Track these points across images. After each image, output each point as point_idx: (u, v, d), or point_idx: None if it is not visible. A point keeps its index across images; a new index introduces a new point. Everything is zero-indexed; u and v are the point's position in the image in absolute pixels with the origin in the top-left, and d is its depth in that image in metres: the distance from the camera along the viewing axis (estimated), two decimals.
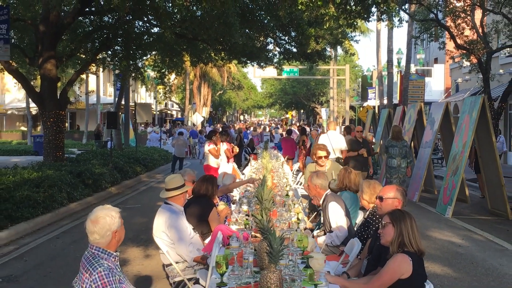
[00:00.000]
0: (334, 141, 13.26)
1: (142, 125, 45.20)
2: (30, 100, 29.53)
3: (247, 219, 5.98)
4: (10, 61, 16.57)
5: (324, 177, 6.90)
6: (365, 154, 13.57)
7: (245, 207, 6.67)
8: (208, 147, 14.33)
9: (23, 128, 43.41)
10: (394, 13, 17.72)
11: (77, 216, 12.36)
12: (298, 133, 24.83)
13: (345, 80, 45.73)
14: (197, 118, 45.53)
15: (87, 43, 18.58)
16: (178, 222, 5.92)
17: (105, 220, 3.80)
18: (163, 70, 21.41)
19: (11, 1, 16.08)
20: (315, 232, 6.78)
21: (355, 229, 6.52)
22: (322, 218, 6.80)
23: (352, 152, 13.55)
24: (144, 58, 22.45)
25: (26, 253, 9.13)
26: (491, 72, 22.12)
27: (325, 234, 6.59)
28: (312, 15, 14.64)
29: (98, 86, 39.96)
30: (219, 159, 14.03)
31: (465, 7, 21.36)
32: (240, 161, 21.30)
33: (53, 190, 12.33)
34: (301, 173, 14.50)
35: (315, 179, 6.80)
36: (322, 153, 9.27)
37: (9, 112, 44.45)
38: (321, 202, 6.74)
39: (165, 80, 23.03)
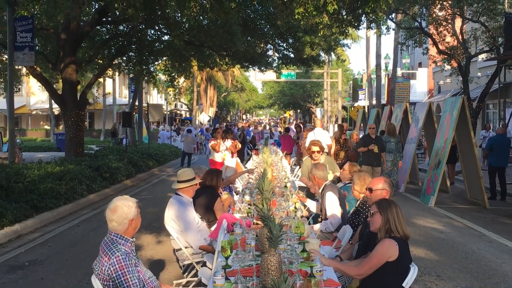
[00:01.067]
0: (319, 136, 13.27)
1: (154, 124, 45.14)
2: (52, 101, 29.50)
3: (249, 208, 5.99)
4: (35, 66, 16.59)
5: (323, 169, 6.96)
6: (375, 150, 13.22)
7: (247, 197, 6.67)
8: (210, 143, 14.53)
9: (46, 127, 43.40)
10: (382, 22, 17.68)
11: (96, 206, 12.40)
12: (295, 130, 24.81)
13: (337, 82, 45.63)
14: (203, 117, 45.56)
15: (104, 50, 18.59)
16: (187, 212, 5.91)
17: (122, 209, 3.81)
18: (173, 74, 21.45)
19: (35, 12, 16.07)
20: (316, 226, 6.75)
21: (348, 217, 6.54)
22: (320, 206, 6.84)
23: (363, 148, 13.43)
24: (156, 63, 22.50)
25: (50, 240, 9.17)
26: (470, 75, 22.13)
27: (321, 221, 6.61)
28: (308, 24, 14.59)
29: (114, 89, 39.93)
30: (222, 153, 14.02)
31: (447, 16, 21.36)
32: (243, 156, 21.29)
33: (74, 182, 12.36)
34: (298, 167, 14.49)
35: (315, 171, 6.90)
36: (315, 148, 9.32)
37: (34, 112, 44.47)
38: (320, 191, 6.79)
39: (175, 83, 23.14)
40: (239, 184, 10.15)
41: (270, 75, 38.46)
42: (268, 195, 5.20)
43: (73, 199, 11.97)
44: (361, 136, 22.28)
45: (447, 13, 21.22)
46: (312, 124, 45.08)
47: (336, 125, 22.41)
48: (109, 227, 3.84)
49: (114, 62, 19.68)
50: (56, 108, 32.77)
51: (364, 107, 36.31)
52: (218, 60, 20.87)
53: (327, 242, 6.05)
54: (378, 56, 31.76)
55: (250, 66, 21.66)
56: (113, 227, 3.83)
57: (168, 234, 6.06)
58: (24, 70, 24.03)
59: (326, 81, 48.05)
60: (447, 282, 6.71)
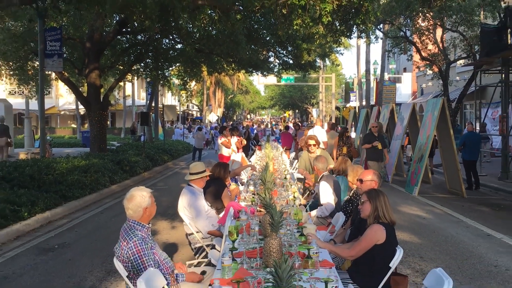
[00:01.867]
0: (318, 134, 13.23)
1: (169, 123, 45.16)
2: (79, 103, 29.51)
3: (253, 197, 5.98)
4: (63, 72, 16.60)
5: (323, 161, 7.00)
6: (379, 147, 12.88)
7: (251, 188, 6.67)
8: (220, 140, 14.53)
9: (73, 126, 43.46)
10: (371, 32, 17.64)
11: (117, 195, 12.40)
12: (294, 128, 24.77)
13: (331, 85, 45.56)
14: (212, 117, 45.60)
15: (124, 57, 18.59)
16: (197, 201, 5.90)
17: (136, 199, 3.80)
18: (185, 78, 21.42)
19: (63, 24, 16.07)
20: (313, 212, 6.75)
21: (342, 204, 6.53)
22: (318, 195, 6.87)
23: (367, 144, 13.12)
24: (170, 68, 22.44)
25: (76, 225, 9.19)
26: (449, 79, 22.04)
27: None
28: (305, 33, 14.56)
29: (133, 91, 39.92)
30: (231, 149, 14.03)
31: (429, 26, 21.31)
32: (247, 151, 21.24)
33: (98, 175, 12.39)
34: (296, 161, 14.47)
35: (315, 162, 7.02)
36: (311, 142, 9.35)
37: (62, 112, 44.55)
38: (318, 180, 6.83)
39: (187, 86, 23.07)
40: (244, 176, 10.14)
41: (272, 79, 38.42)
42: (270, 185, 5.19)
43: (97, 190, 12.00)
44: (352, 134, 22.24)
45: (429, 24, 21.17)
46: (310, 123, 45.06)
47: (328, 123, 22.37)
48: (127, 214, 3.84)
49: (133, 68, 19.67)
50: (82, 109, 32.71)
51: (355, 107, 36.21)
52: (225, 66, 20.85)
53: (323, 227, 6.04)
54: (367, 62, 31.68)
55: (254, 71, 21.63)
56: (129, 215, 3.82)
57: (181, 220, 6.06)
58: (53, 75, 24.02)
59: (321, 85, 47.99)
60: (429, 263, 6.69)
